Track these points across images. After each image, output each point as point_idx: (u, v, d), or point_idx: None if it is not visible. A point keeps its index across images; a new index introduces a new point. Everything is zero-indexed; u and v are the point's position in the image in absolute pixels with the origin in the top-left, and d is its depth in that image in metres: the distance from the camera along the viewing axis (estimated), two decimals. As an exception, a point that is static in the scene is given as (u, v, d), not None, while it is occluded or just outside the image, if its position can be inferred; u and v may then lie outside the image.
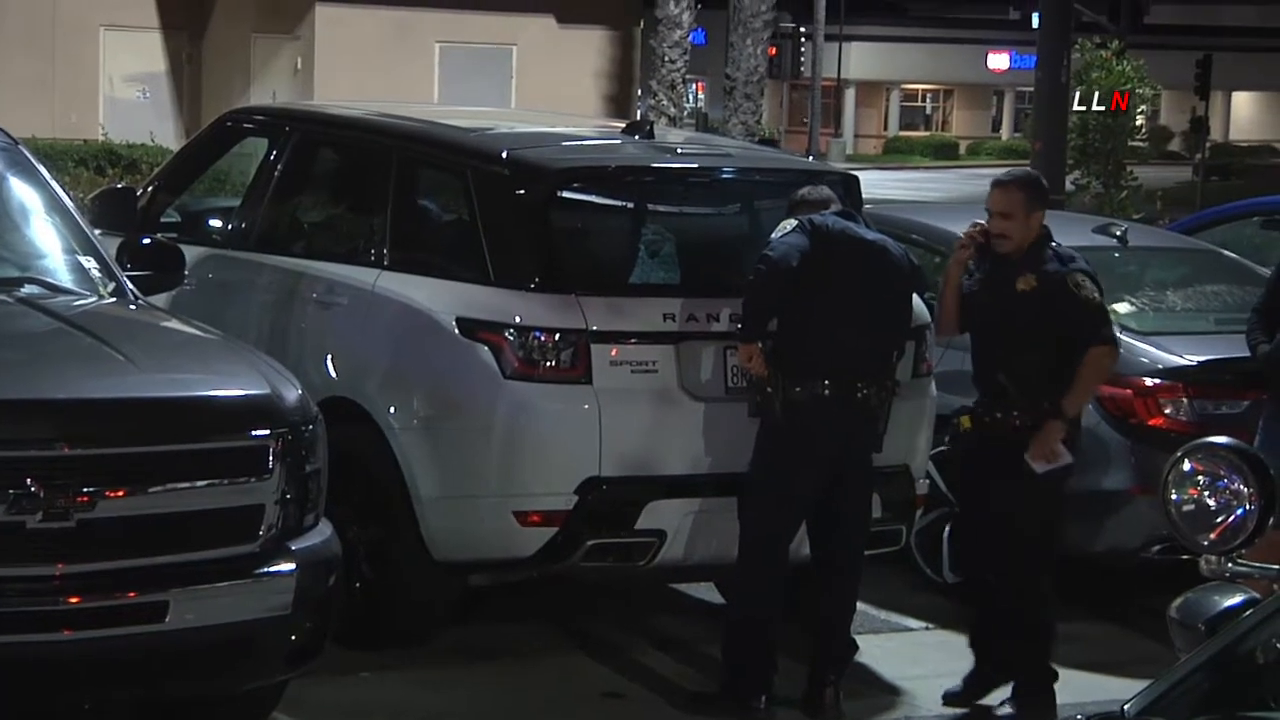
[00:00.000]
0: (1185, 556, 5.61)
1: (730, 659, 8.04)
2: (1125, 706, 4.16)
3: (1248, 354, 9.09)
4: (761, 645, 7.95)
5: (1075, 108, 30.87)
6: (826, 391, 7.83)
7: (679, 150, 9.29)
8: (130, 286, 7.75)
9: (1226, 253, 11.18)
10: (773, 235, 7.90)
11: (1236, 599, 4.45)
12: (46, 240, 7.99)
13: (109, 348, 6.89)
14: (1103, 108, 31.89)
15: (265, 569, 6.67)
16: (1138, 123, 35.74)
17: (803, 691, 8.06)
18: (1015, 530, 8.10)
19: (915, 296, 8.75)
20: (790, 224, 7.86)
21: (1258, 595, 4.47)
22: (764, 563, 7.99)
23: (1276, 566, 4.50)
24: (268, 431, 6.70)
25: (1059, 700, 8.23)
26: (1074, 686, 8.54)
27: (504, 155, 8.60)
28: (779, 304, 7.83)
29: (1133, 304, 10.16)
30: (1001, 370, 8.04)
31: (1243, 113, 77.76)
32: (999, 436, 8.05)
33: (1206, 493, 4.57)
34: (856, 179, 9.07)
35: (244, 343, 7.76)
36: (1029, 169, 8.77)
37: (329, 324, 8.81)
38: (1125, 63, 32.76)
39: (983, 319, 8.21)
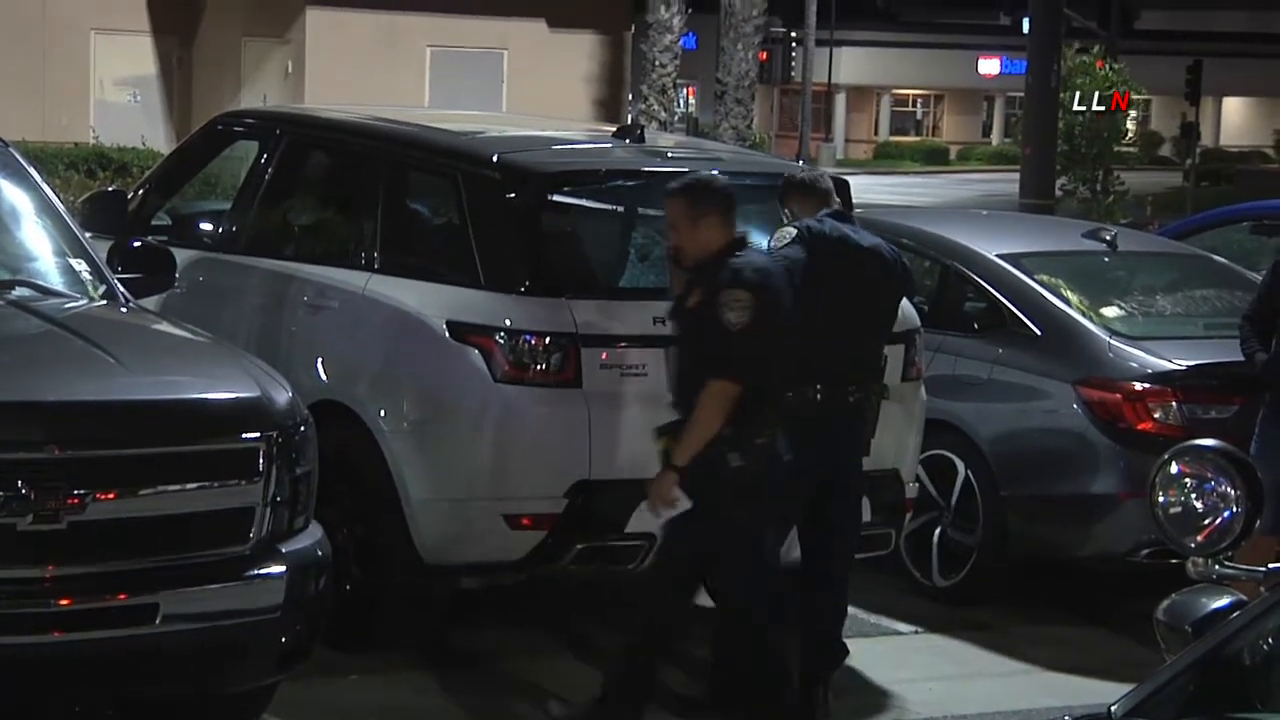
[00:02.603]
0: (1174, 560, 5.63)
1: (720, 662, 8.04)
2: (1112, 708, 4.17)
3: (1237, 359, 9.11)
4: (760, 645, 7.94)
5: (1076, 108, 30.90)
6: (818, 396, 7.85)
7: (669, 154, 9.30)
8: (121, 289, 7.76)
9: (1216, 258, 11.21)
10: (772, 243, 7.89)
11: (1223, 601, 4.45)
12: (37, 243, 8.00)
13: (99, 350, 6.89)
14: (1102, 108, 31.95)
15: (255, 571, 6.68)
16: (1127, 126, 35.83)
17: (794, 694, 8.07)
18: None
19: (905, 300, 8.78)
20: (790, 234, 7.85)
21: (1244, 597, 4.48)
22: (753, 567, 7.99)
23: (1263, 569, 4.51)
24: (258, 434, 6.71)
25: (1046, 703, 8.25)
26: (1061, 689, 8.58)
27: (494, 159, 8.61)
28: None
29: (1122, 308, 10.18)
30: (681, 393, 7.44)
31: (1233, 118, 77.81)
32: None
33: (1194, 495, 4.58)
34: (846, 183, 9.08)
35: (234, 345, 7.76)
36: (700, 173, 7.90)
37: (319, 327, 8.82)
38: (1109, 67, 32.80)
39: (673, 338, 7.60)
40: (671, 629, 7.63)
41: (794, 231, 7.87)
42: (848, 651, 8.29)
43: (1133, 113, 34.52)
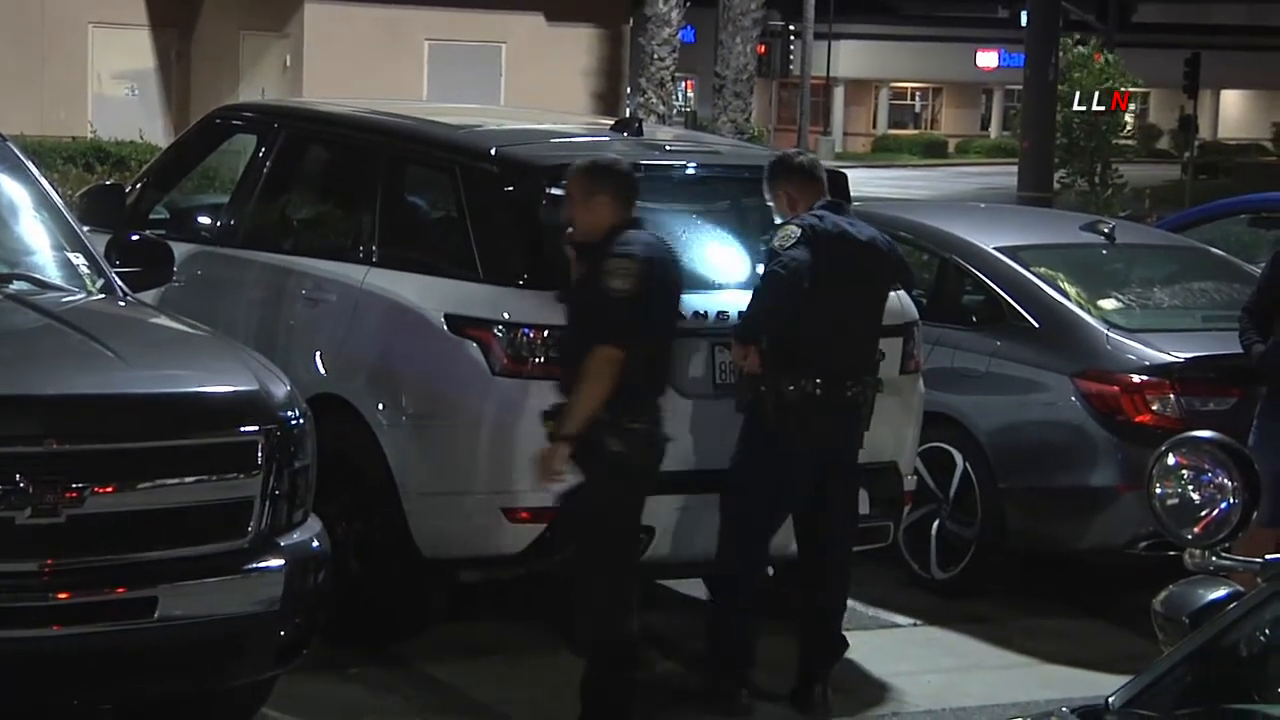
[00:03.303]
0: (1172, 553, 5.64)
1: (714, 654, 8.04)
2: (1110, 700, 4.18)
3: (1235, 351, 9.11)
4: (743, 640, 7.95)
5: (1076, 108, 30.87)
6: (818, 391, 7.85)
7: (667, 148, 9.30)
8: (119, 283, 7.76)
9: (1214, 250, 11.20)
10: (776, 242, 7.84)
11: (1221, 592, 4.46)
12: (35, 237, 8.00)
13: (98, 344, 6.89)
14: (1102, 108, 31.89)
15: (254, 565, 6.68)
16: (1126, 120, 35.76)
17: (792, 687, 8.08)
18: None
19: (904, 293, 8.79)
20: (794, 233, 7.82)
21: (1242, 589, 4.49)
22: (747, 559, 8.00)
23: (1260, 561, 4.52)
24: (256, 428, 6.71)
25: (1045, 696, 8.25)
26: (1059, 681, 8.58)
27: (493, 152, 8.61)
28: (784, 313, 7.83)
29: (1120, 301, 10.19)
30: (567, 373, 7.49)
31: (1231, 111, 77.80)
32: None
33: (1191, 487, 4.59)
34: (844, 176, 9.08)
35: (232, 339, 7.76)
36: (606, 154, 7.91)
37: (317, 320, 8.82)
38: (1105, 60, 32.72)
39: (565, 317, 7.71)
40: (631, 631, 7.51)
41: (798, 231, 7.85)
42: (847, 645, 8.30)
43: (1131, 106, 34.46)
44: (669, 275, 7.51)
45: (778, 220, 8.07)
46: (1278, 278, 8.98)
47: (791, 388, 7.82)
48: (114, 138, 25.61)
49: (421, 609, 8.53)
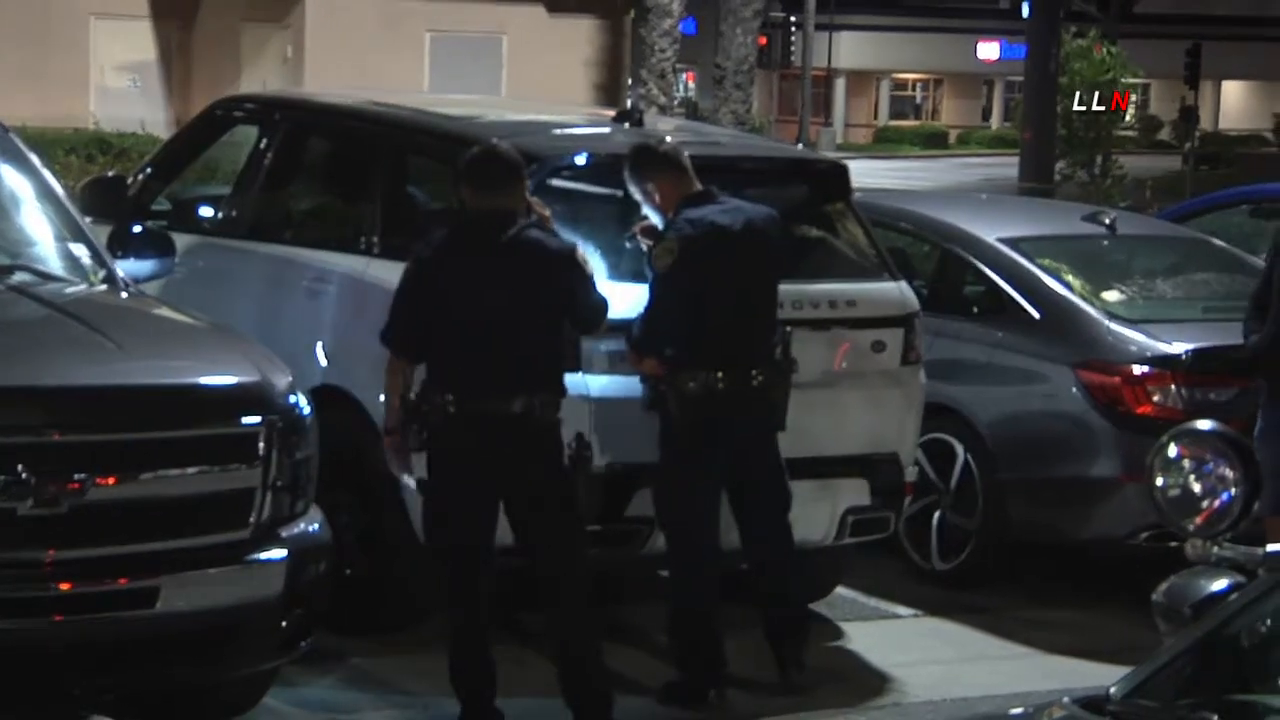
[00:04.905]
0: (1173, 544, 5.65)
1: (679, 653, 8.00)
2: (1111, 690, 4.18)
3: (1236, 342, 9.11)
4: (708, 635, 7.94)
5: (1076, 108, 30.89)
6: (720, 384, 7.81)
7: (668, 139, 9.27)
8: (121, 274, 7.77)
9: (1216, 241, 11.20)
10: (654, 256, 7.82)
11: (1222, 583, 4.47)
12: (37, 228, 8.01)
13: (100, 335, 6.91)
14: (1102, 108, 31.88)
15: (256, 555, 6.69)
16: (1128, 113, 35.74)
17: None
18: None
19: (905, 284, 8.79)
20: (672, 249, 7.77)
21: (1243, 579, 4.49)
22: (697, 554, 7.96)
23: (1261, 551, 4.53)
24: (258, 418, 6.72)
25: (1046, 686, 8.25)
26: (1061, 672, 8.58)
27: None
28: (674, 323, 7.84)
29: (1121, 292, 10.19)
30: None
31: (1232, 102, 77.74)
32: None
33: (1192, 477, 4.60)
34: (846, 168, 9.09)
35: (234, 330, 7.77)
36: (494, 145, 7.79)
37: (319, 312, 8.82)
38: (1106, 51, 32.65)
39: None
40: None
41: (675, 247, 7.77)
42: (809, 625, 8.23)
43: (1132, 98, 34.44)
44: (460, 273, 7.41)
45: (646, 212, 8.01)
46: (1275, 267, 8.97)
47: (693, 383, 7.78)
48: (116, 129, 25.67)
49: (423, 599, 8.53)
